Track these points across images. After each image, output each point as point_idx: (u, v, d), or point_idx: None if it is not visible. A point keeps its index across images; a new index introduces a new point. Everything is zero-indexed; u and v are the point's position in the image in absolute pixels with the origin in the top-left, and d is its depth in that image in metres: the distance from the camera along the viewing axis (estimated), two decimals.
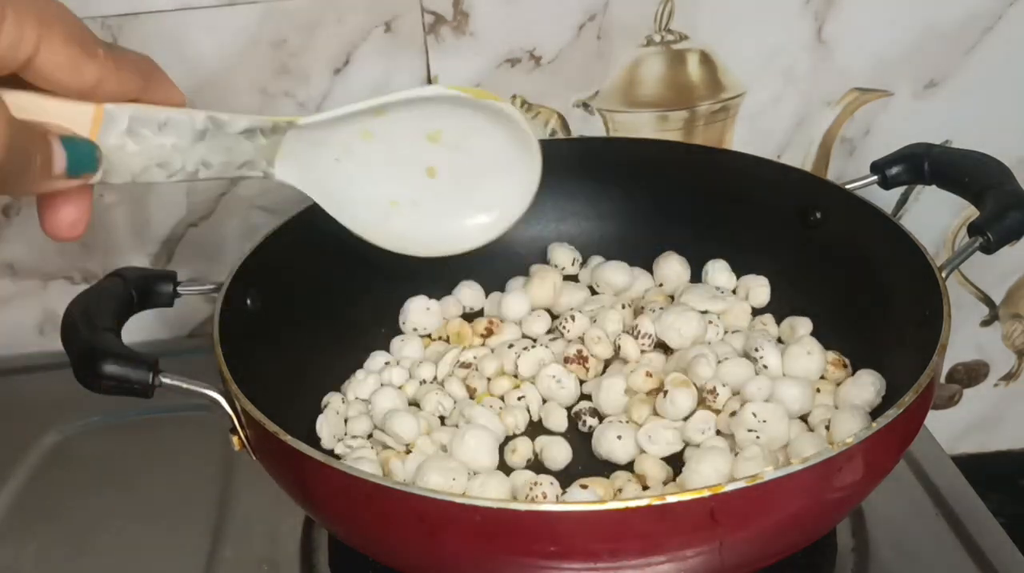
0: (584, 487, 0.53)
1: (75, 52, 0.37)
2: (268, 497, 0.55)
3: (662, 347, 0.63)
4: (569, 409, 0.61)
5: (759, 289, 0.67)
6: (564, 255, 0.71)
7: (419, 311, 0.67)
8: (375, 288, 0.66)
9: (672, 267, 0.69)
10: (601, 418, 0.60)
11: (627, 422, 0.59)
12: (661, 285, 0.69)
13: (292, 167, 0.45)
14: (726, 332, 0.64)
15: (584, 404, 0.61)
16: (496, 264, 0.70)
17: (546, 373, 0.61)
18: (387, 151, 0.47)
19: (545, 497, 0.53)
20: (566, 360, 0.63)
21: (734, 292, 0.67)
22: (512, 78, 0.75)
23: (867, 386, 0.57)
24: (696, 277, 0.69)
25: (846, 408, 0.56)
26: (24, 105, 0.36)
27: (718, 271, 0.68)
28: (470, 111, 0.46)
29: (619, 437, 0.57)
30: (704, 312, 0.64)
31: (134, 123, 0.39)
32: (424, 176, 0.48)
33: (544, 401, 0.62)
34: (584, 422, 0.60)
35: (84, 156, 0.38)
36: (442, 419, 0.61)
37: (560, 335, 0.66)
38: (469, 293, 0.70)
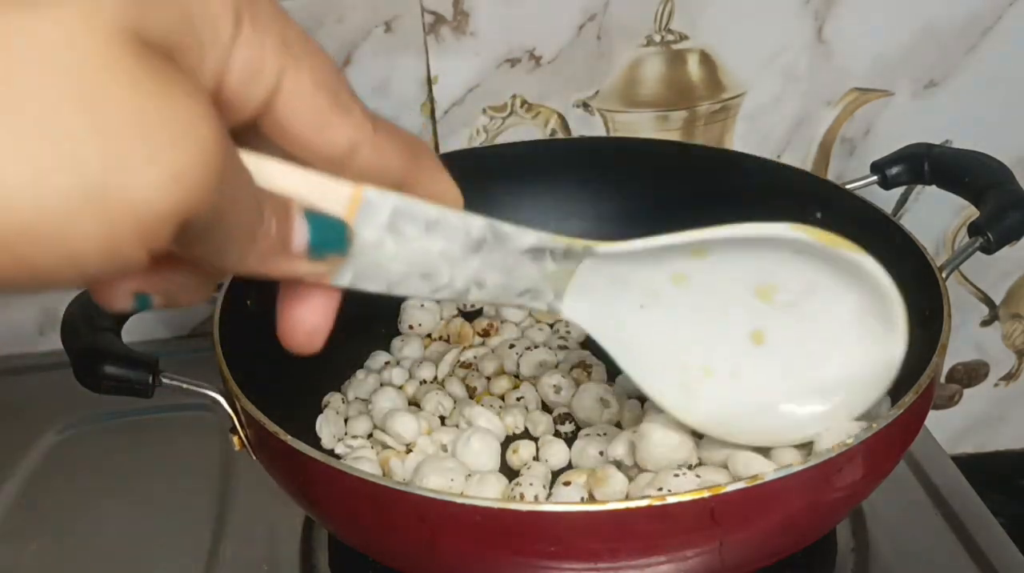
0: (567, 484, 0.53)
1: (326, 102, 0.28)
2: (268, 497, 0.55)
3: None
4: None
5: None
6: None
7: (415, 309, 0.67)
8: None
9: None
10: (578, 427, 0.59)
11: (603, 436, 0.56)
12: None
13: (584, 304, 0.37)
14: None
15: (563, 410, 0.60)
16: None
17: (547, 381, 0.61)
18: (704, 303, 0.38)
19: (522, 497, 0.52)
20: (572, 367, 0.62)
21: None
22: (512, 78, 0.75)
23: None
24: None
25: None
26: (267, 172, 0.27)
27: None
28: (816, 264, 0.37)
29: (600, 453, 0.55)
30: None
31: (397, 217, 0.30)
32: (748, 342, 0.39)
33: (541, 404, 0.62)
34: (560, 430, 0.59)
35: (331, 234, 0.29)
36: (442, 419, 0.61)
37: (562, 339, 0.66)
38: None
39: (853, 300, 0.37)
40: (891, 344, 0.39)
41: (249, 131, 0.27)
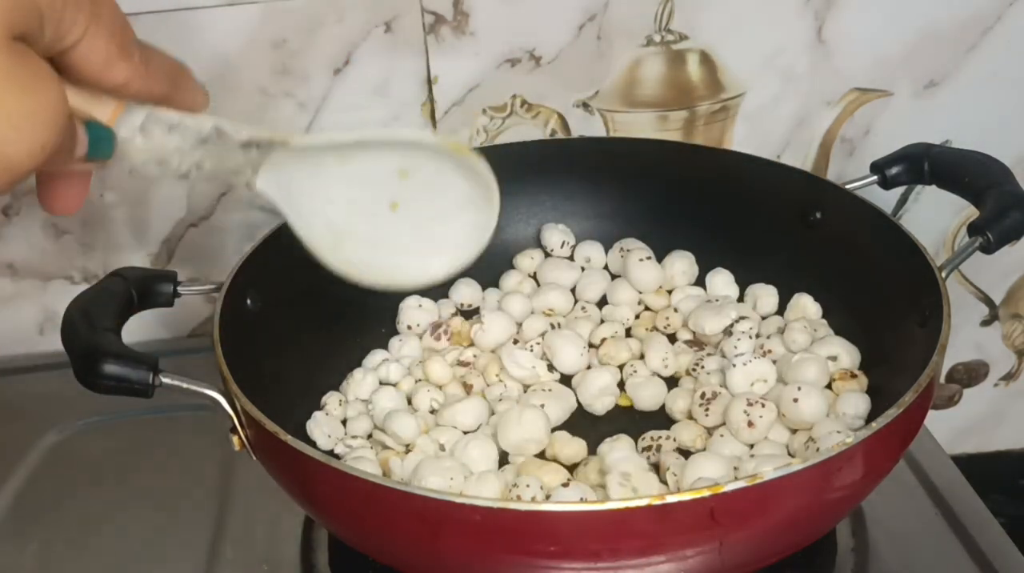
0: (566, 485, 0.53)
1: (113, 50, 0.38)
2: (268, 497, 0.55)
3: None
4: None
5: (767, 298, 0.67)
6: (555, 237, 0.72)
7: (412, 309, 0.67)
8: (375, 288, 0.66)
9: (679, 266, 0.69)
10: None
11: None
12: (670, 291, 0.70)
13: (272, 179, 0.46)
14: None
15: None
16: (498, 266, 0.71)
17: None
18: (358, 177, 0.48)
19: (520, 499, 0.52)
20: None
21: (740, 300, 0.68)
22: (512, 78, 0.75)
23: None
24: (699, 280, 0.69)
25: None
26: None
27: (720, 281, 0.69)
28: (442, 161, 0.48)
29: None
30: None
31: (148, 121, 0.41)
32: (387, 209, 0.49)
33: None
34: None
35: (103, 142, 0.39)
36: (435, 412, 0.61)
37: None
38: (466, 291, 0.70)
39: (466, 184, 0.48)
40: (488, 217, 0.49)
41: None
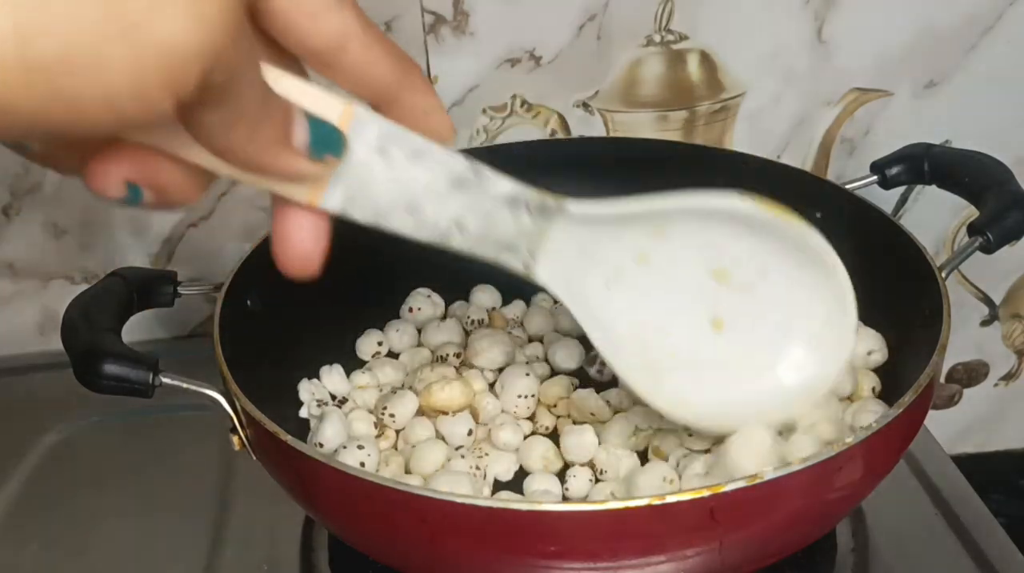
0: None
1: None
2: (268, 497, 0.55)
3: None
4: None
5: None
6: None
7: (422, 296, 0.67)
8: (377, 289, 0.66)
9: None
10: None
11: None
12: None
13: (559, 271, 0.37)
14: None
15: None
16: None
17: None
18: (666, 286, 0.38)
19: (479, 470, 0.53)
20: None
21: None
22: (512, 78, 0.75)
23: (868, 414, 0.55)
24: None
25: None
26: (268, 76, 0.28)
27: None
28: (765, 240, 0.38)
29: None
30: None
31: (385, 139, 0.32)
32: (708, 328, 0.39)
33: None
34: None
35: (329, 136, 0.30)
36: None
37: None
38: (485, 297, 0.69)
39: (804, 277, 0.38)
40: (844, 317, 0.39)
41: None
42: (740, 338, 0.38)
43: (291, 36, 0.30)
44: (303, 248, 0.33)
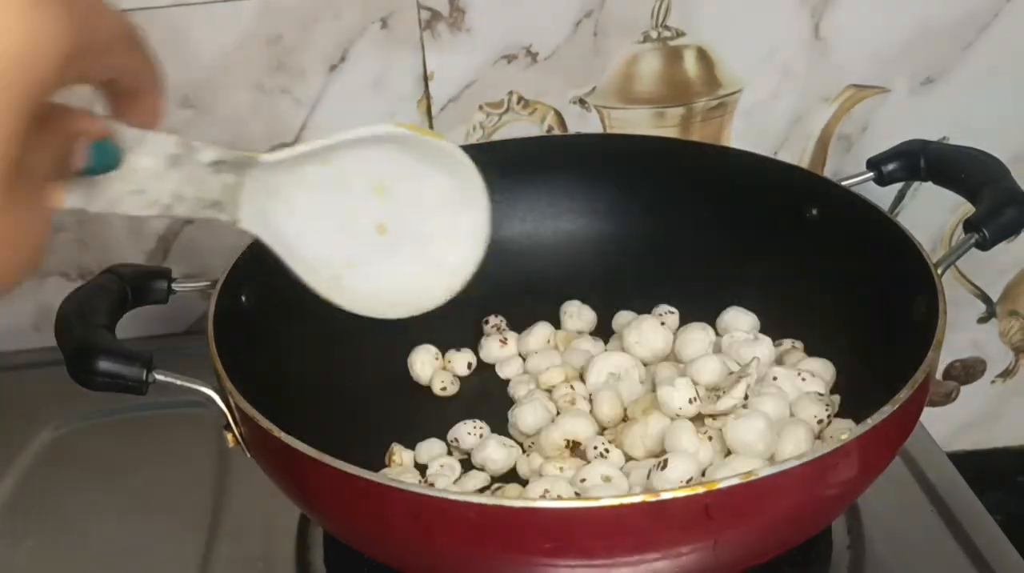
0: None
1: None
2: (263, 494, 0.55)
3: None
4: None
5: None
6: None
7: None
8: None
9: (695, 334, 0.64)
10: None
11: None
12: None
13: (257, 215, 0.43)
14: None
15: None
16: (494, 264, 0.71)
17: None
18: (335, 204, 0.45)
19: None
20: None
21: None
22: (508, 74, 0.75)
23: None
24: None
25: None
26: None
27: (738, 319, 0.66)
28: (413, 158, 0.45)
29: None
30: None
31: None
32: (376, 234, 0.46)
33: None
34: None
35: (109, 158, 0.36)
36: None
37: None
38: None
39: (446, 183, 0.45)
40: (478, 206, 0.46)
41: None
42: (399, 235, 0.46)
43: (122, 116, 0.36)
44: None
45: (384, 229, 0.46)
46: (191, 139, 0.40)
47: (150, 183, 0.38)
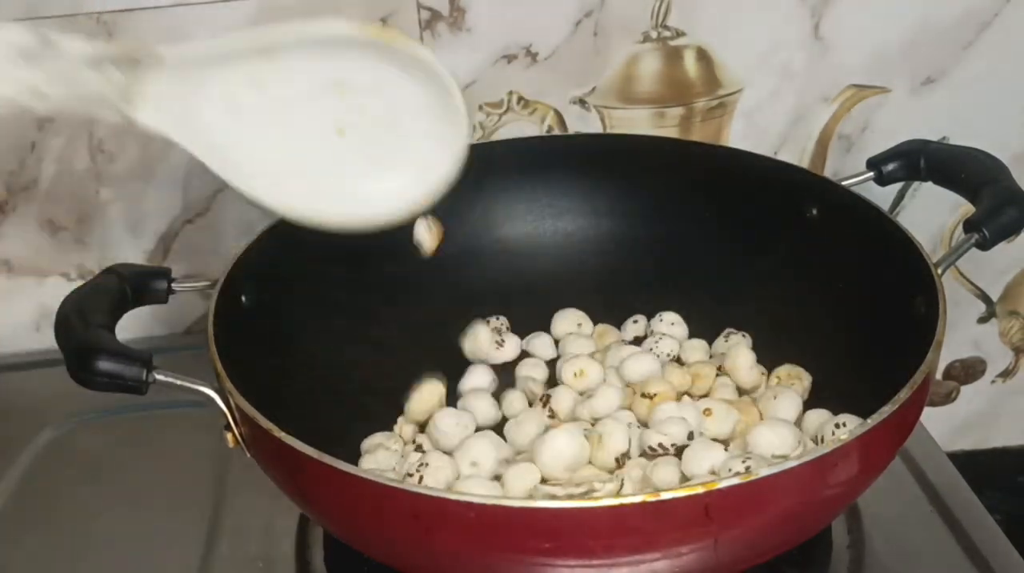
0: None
1: None
2: (263, 494, 0.55)
3: None
4: None
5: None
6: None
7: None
8: (371, 285, 0.66)
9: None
10: None
11: None
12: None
13: (164, 113, 0.39)
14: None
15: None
16: (492, 262, 0.71)
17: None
18: (284, 97, 0.41)
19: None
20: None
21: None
22: (509, 74, 0.75)
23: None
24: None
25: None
26: None
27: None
28: (383, 62, 0.41)
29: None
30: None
31: None
32: (334, 135, 0.42)
33: None
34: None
35: None
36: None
37: None
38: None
39: (420, 91, 0.41)
40: (456, 125, 0.42)
41: None
42: (361, 138, 0.42)
43: None
44: None
45: (343, 132, 0.42)
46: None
47: None
